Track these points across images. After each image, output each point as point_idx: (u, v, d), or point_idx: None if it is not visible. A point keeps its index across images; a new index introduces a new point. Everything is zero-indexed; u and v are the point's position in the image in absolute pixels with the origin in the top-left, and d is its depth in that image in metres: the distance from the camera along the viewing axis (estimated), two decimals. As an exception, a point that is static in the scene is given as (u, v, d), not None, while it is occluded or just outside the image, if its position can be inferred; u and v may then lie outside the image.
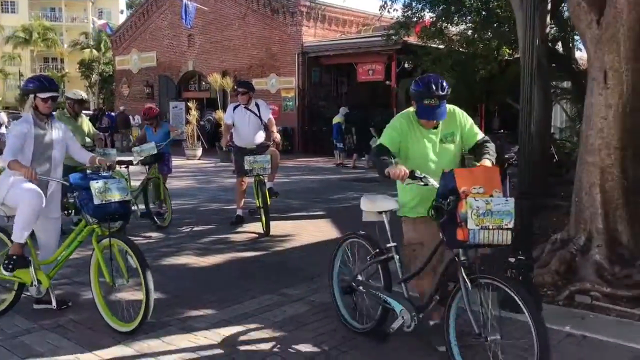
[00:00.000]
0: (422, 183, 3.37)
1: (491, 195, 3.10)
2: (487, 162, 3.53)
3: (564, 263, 5.12)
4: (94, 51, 41.88)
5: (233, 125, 7.74)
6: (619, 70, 5.12)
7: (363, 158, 16.66)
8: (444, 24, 13.12)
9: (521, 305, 3.00)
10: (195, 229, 7.88)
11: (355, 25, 24.25)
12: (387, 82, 19.88)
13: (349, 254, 4.28)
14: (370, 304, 4.10)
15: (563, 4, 9.66)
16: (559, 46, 12.24)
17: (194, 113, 19.80)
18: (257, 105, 7.80)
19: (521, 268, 4.41)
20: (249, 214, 8.13)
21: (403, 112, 3.90)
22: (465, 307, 3.20)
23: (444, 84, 3.59)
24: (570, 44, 12.16)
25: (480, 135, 3.85)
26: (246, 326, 4.28)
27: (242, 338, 4.08)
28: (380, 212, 3.89)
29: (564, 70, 11.30)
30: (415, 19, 13.94)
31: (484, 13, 12.31)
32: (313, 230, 7.72)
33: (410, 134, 3.75)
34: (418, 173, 3.36)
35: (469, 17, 12.81)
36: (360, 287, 4.06)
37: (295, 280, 5.38)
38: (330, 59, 21.80)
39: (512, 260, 4.48)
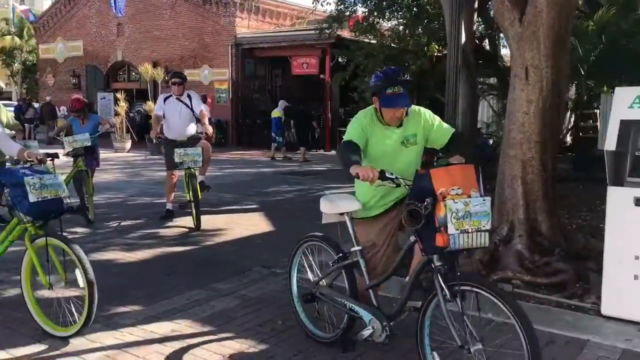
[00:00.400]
0: (394, 184, 3.14)
1: (469, 196, 2.88)
2: (460, 159, 3.28)
3: (487, 253, 5.30)
4: (16, 38, 39.88)
5: (163, 116, 7.56)
6: (539, 67, 5.34)
7: (298, 152, 16.72)
8: (376, 19, 13.28)
9: (510, 314, 2.79)
10: (123, 223, 7.66)
11: (289, 18, 24.20)
12: (322, 76, 19.96)
13: (309, 259, 4.02)
14: (335, 311, 3.81)
15: (489, 2, 9.97)
16: (486, 43, 12.66)
17: (123, 104, 19.23)
18: (189, 96, 7.66)
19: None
20: (179, 208, 8.00)
21: (364, 110, 3.68)
22: (444, 317, 2.96)
23: (403, 72, 3.50)
24: (497, 42, 12.60)
25: (451, 130, 3.66)
26: (174, 322, 4.20)
27: (169, 334, 4.00)
28: (342, 214, 3.63)
29: (490, 67, 11.70)
30: (348, 13, 14.06)
31: (414, 9, 12.55)
32: (246, 224, 7.66)
33: (373, 132, 3.54)
34: (389, 173, 3.11)
35: (400, 13, 13.03)
36: (323, 295, 3.79)
37: (226, 275, 5.32)
38: (264, 51, 21.66)
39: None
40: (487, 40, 12.86)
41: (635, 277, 4.04)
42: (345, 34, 16.80)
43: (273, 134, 17.11)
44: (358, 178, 3.09)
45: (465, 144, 3.57)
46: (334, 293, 3.73)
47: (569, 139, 16.11)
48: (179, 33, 22.83)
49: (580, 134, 15.10)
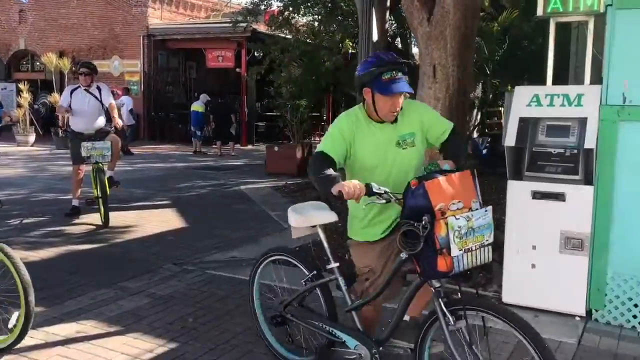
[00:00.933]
0: (384, 200, 2.63)
1: (470, 209, 2.51)
2: (453, 164, 2.77)
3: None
4: None
5: (70, 109, 7.23)
6: (446, 66, 5.54)
7: (227, 146, 16.52)
8: (292, 14, 13.29)
9: (526, 343, 2.39)
10: (26, 221, 7.25)
11: (204, 10, 23.74)
12: (238, 70, 19.75)
13: (274, 275, 3.60)
14: (311, 332, 3.36)
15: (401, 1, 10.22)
16: (399, 42, 12.98)
17: (26, 96, 18.16)
18: (98, 88, 7.38)
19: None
20: (86, 205, 7.68)
21: (347, 111, 3.10)
22: (449, 347, 2.59)
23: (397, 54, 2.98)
24: (408, 40, 12.93)
25: (450, 125, 3.12)
26: (79, 322, 4.03)
27: (73, 335, 3.83)
28: (314, 226, 3.16)
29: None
30: (263, 7, 13.97)
31: (329, 5, 12.65)
32: (156, 221, 7.46)
33: (358, 134, 2.94)
34: (376, 187, 2.60)
35: (315, 9, 13.10)
36: (295, 317, 3.31)
37: (135, 273, 5.16)
38: (178, 43, 21.14)
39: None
40: (399, 39, 13.18)
41: (533, 265, 4.28)
42: (261, 27, 16.70)
43: (192, 129, 16.79)
44: (341, 198, 2.56)
45: (459, 141, 3.12)
46: (309, 315, 3.26)
47: (475, 135, 16.82)
48: (88, 22, 21.84)
49: (487, 130, 15.81)
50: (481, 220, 2.49)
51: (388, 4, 9.56)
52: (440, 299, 2.57)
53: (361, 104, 3.02)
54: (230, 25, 15.03)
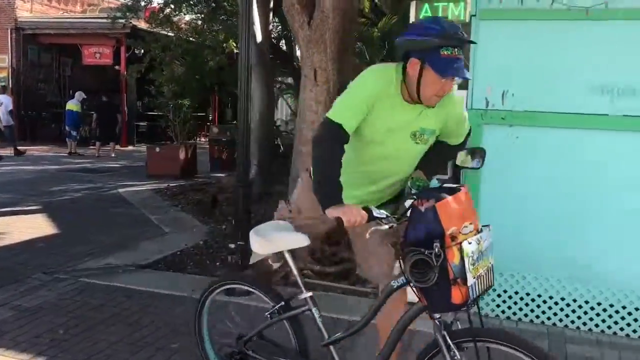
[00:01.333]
0: (386, 225, 2.25)
1: (478, 230, 2.21)
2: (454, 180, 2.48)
3: (281, 246, 5.49)
4: None
5: None
6: (327, 69, 5.64)
7: (107, 147, 15.71)
8: (173, 12, 12.97)
9: None
10: None
11: (79, 4, 22.48)
12: (117, 67, 18.93)
13: (230, 307, 3.17)
14: None
15: (284, 4, 10.30)
16: (283, 44, 13.07)
17: None
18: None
19: (241, 253, 4.60)
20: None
21: (383, 68, 2.52)
22: None
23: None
24: (292, 42, 13.04)
25: (467, 131, 2.72)
26: None
27: None
28: (279, 253, 2.69)
29: (287, 67, 12.09)
30: (143, 3, 13.51)
31: (212, 4, 12.47)
32: (25, 227, 6.95)
33: (380, 105, 2.41)
34: (376, 211, 2.26)
35: (197, 7, 12.86)
36: (259, 355, 2.84)
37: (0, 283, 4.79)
38: (50, 37, 19.83)
39: (233, 246, 4.66)
40: (284, 41, 13.27)
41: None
42: (142, 24, 16.11)
43: (67, 128, 15.85)
44: (341, 224, 2.21)
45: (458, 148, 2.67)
46: (276, 350, 2.81)
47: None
48: (-54, 11, 19.97)
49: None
50: (487, 241, 2.22)
51: (271, 5, 9.63)
52: (443, 331, 2.22)
53: (398, 67, 2.44)
54: (108, 21, 14.39)
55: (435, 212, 2.10)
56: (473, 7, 4.19)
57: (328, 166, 2.32)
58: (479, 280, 2.14)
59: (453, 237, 2.10)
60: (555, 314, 4.15)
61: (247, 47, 4.54)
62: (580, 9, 3.85)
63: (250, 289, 2.86)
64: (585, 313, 4.08)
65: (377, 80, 2.43)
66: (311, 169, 2.49)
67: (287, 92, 14.04)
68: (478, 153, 2.52)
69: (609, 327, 4.05)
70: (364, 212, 2.21)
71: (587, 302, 4.08)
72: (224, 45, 12.30)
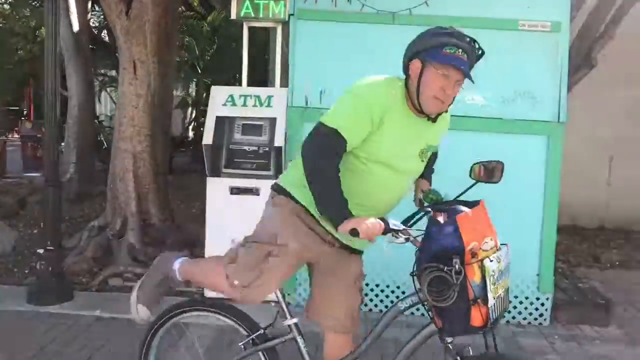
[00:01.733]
0: (403, 239, 2.05)
1: (497, 248, 2.05)
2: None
3: (99, 249, 5.20)
4: None
5: None
6: (146, 62, 5.44)
7: None
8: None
9: None
10: None
11: None
12: None
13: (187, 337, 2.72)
14: None
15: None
16: (105, 35, 12.35)
17: None
18: None
19: (50, 259, 4.26)
20: None
21: (388, 79, 2.22)
22: None
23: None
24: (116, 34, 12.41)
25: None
26: None
27: None
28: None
29: (109, 59, 11.45)
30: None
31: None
32: None
33: (389, 118, 2.11)
34: (394, 224, 2.04)
35: (5, -10, 11.72)
36: None
37: None
38: None
39: (41, 251, 4.30)
40: (106, 32, 12.55)
41: (232, 259, 4.44)
42: None
43: None
44: (356, 235, 1.96)
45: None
46: None
47: (190, 133, 16.99)
48: None
49: (201, 128, 16.09)
50: (506, 260, 2.05)
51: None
52: (457, 357, 2.05)
53: (401, 79, 2.21)
54: None
55: (456, 226, 1.94)
56: (291, 6, 4.29)
57: (328, 180, 2.05)
58: (498, 301, 1.99)
59: (473, 254, 1.95)
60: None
61: (54, 34, 4.19)
62: (388, 14, 4.12)
63: (220, 317, 2.46)
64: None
65: (386, 86, 2.17)
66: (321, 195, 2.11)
67: (110, 85, 13.31)
68: (498, 168, 2.34)
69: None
70: (381, 222, 2.00)
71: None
72: (37, 33, 11.31)
